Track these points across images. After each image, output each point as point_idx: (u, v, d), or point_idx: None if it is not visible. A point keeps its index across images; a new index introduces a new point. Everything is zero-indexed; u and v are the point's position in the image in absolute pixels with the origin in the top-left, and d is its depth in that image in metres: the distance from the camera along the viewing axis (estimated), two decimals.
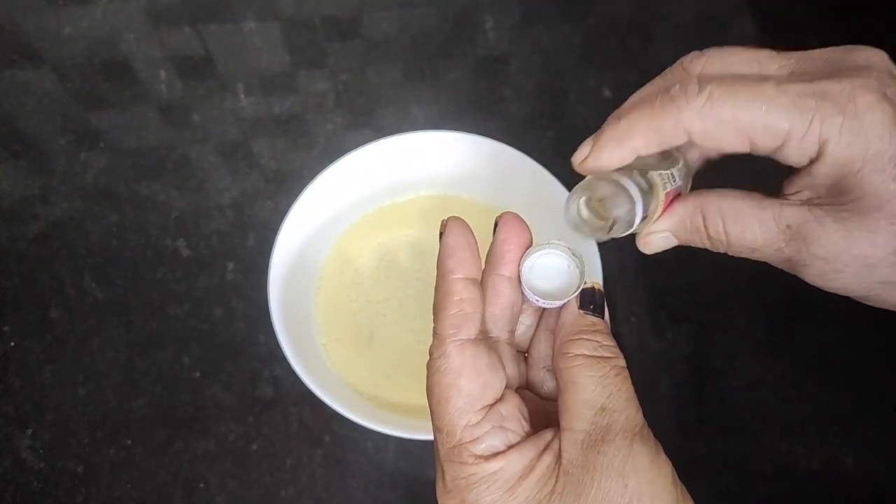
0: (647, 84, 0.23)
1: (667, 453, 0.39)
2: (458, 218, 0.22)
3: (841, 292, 0.22)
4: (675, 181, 0.23)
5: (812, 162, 0.20)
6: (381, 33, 0.54)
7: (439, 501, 0.20)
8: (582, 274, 0.22)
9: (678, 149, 0.23)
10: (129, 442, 0.38)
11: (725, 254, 0.23)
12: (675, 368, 0.41)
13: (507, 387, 0.21)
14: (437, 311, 0.21)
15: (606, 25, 0.53)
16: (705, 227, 0.22)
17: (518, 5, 0.55)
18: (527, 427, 0.20)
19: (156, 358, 0.41)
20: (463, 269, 0.21)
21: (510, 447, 0.19)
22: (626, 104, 0.23)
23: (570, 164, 0.54)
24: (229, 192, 0.47)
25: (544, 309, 0.23)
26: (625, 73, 0.51)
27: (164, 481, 0.37)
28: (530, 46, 0.53)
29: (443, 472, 0.20)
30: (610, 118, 0.23)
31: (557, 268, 0.23)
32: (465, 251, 0.22)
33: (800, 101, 0.19)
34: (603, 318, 0.22)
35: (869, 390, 0.41)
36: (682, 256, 0.45)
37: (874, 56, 0.20)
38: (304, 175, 0.44)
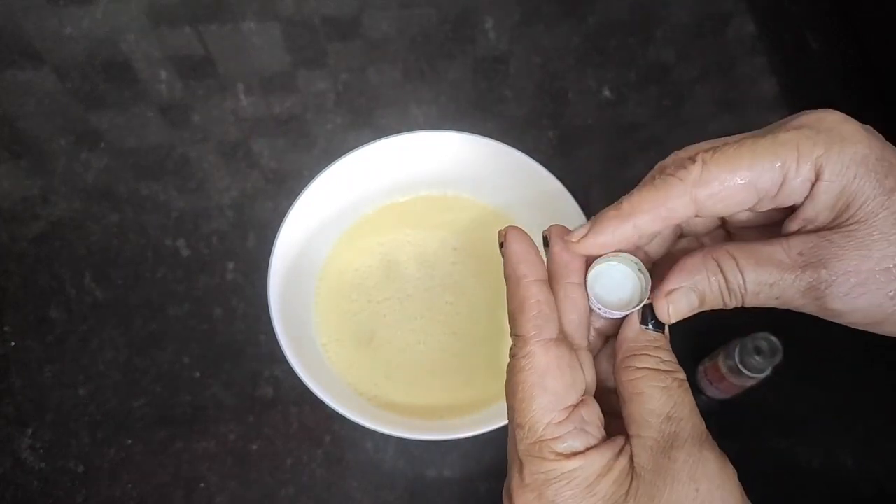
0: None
1: None
2: (517, 227, 0.23)
3: (868, 313, 0.21)
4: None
5: (813, 186, 0.21)
6: (381, 33, 0.54)
7: (514, 494, 0.21)
8: (647, 289, 0.22)
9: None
10: (130, 442, 0.38)
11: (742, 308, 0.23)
12: None
13: (585, 392, 0.21)
14: (516, 314, 0.21)
15: (606, 25, 0.53)
16: (721, 270, 0.22)
17: (518, 5, 0.55)
18: (602, 433, 0.21)
19: (156, 358, 0.41)
20: (535, 273, 0.22)
21: (589, 448, 0.20)
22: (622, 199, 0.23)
23: (570, 163, 0.54)
24: (229, 192, 0.47)
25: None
26: (625, 73, 0.51)
27: (165, 481, 0.38)
28: (530, 46, 0.53)
29: (520, 467, 0.21)
30: (605, 209, 0.23)
31: (622, 279, 0.23)
32: (533, 256, 0.22)
33: (779, 136, 0.20)
34: (663, 333, 0.22)
35: (869, 390, 0.41)
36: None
37: (824, 112, 0.21)
38: (304, 175, 0.44)
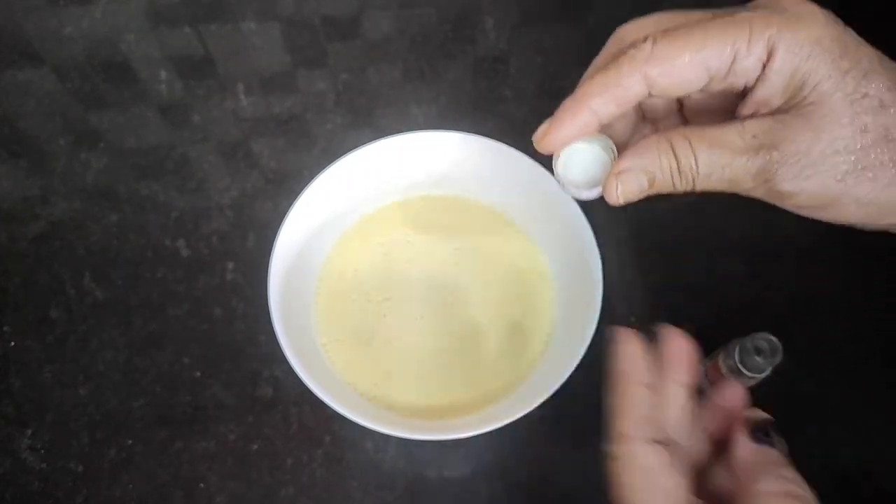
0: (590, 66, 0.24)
1: None
2: (626, 329, 0.24)
3: (815, 194, 0.22)
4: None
5: (765, 67, 0.21)
6: (381, 33, 0.54)
7: None
8: (610, 161, 0.23)
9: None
10: (130, 442, 0.38)
11: (693, 192, 0.23)
12: None
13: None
14: (620, 412, 0.22)
15: (606, 25, 0.53)
16: (674, 152, 0.22)
17: (518, 5, 0.55)
18: None
19: (156, 358, 0.41)
20: (642, 376, 0.23)
21: None
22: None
23: None
24: (229, 192, 0.47)
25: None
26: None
27: (165, 481, 0.37)
28: (530, 46, 0.53)
29: None
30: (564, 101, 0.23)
31: (593, 161, 0.23)
32: (642, 360, 0.23)
33: (735, 15, 0.20)
34: (774, 447, 0.23)
35: (869, 390, 0.41)
36: (680, 256, 0.45)
37: None
38: (305, 175, 0.44)
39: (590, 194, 0.23)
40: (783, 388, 0.40)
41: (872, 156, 0.20)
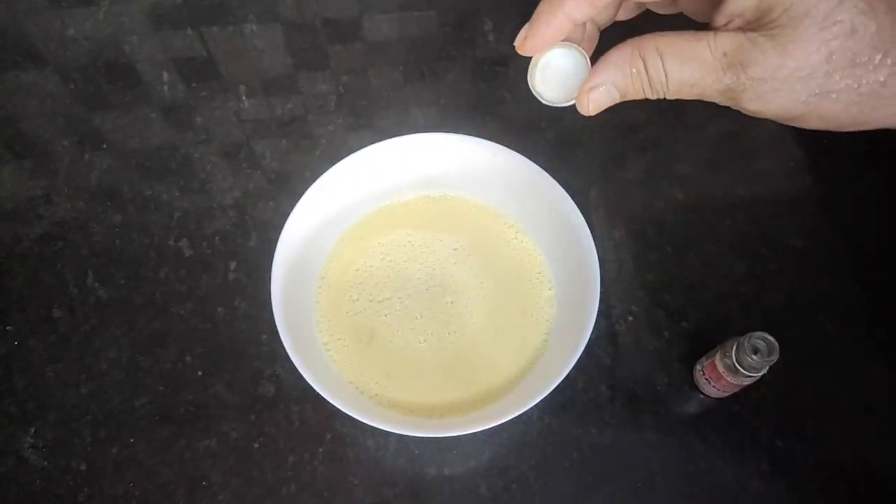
0: None
1: (664, 451, 0.40)
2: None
3: (779, 115, 0.22)
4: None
5: None
6: (382, 36, 0.54)
7: None
8: (584, 68, 0.24)
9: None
10: (132, 440, 0.39)
11: (664, 98, 0.24)
12: (673, 367, 0.41)
13: None
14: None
15: (605, 28, 0.54)
16: (645, 68, 0.23)
17: (517, 8, 0.56)
18: None
19: (158, 357, 0.41)
20: None
21: None
22: None
23: (568, 164, 0.54)
24: (231, 192, 0.47)
25: None
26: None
27: (167, 479, 0.38)
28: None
29: None
30: (540, 4, 0.24)
31: (573, 68, 0.24)
32: None
33: None
34: None
35: (866, 389, 0.41)
36: (679, 255, 0.46)
37: None
38: (306, 176, 0.45)
39: (562, 104, 0.24)
40: (780, 388, 0.41)
41: (837, 78, 0.21)
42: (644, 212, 0.47)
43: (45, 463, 0.38)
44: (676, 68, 0.22)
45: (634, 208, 0.48)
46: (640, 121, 0.52)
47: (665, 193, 0.48)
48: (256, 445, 0.39)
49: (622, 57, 0.23)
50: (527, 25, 0.23)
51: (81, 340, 0.42)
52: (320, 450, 0.39)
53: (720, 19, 0.22)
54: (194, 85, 0.52)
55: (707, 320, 0.43)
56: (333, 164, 0.39)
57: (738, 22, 0.22)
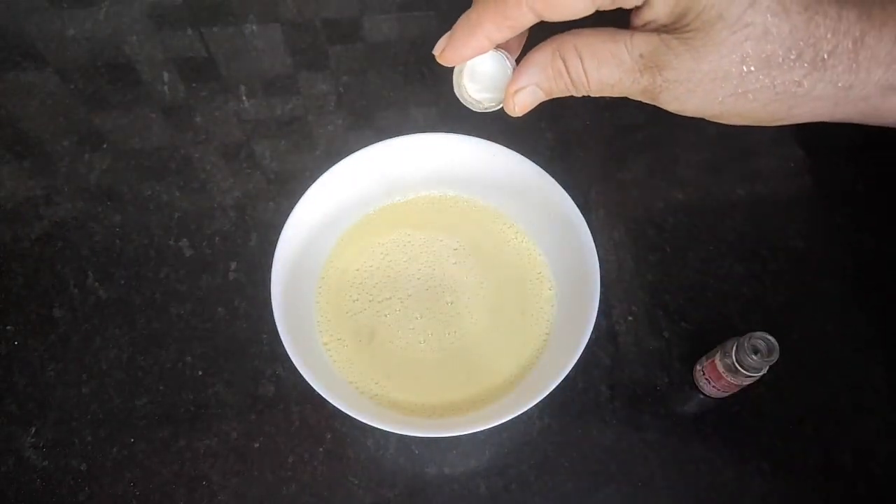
0: None
1: (664, 451, 0.40)
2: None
3: (697, 114, 0.23)
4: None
5: None
6: (382, 36, 0.55)
7: None
8: (508, 70, 0.24)
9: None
10: (132, 440, 0.39)
11: (588, 96, 0.24)
12: (673, 367, 0.41)
13: None
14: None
15: (605, 27, 0.54)
16: (566, 69, 0.23)
17: None
18: None
19: (158, 357, 0.41)
20: None
21: None
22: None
23: (568, 165, 0.54)
24: (232, 192, 0.47)
25: None
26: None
27: (167, 479, 0.38)
28: (529, 49, 0.54)
29: None
30: (460, 18, 0.24)
31: (502, 70, 0.24)
32: None
33: None
34: None
35: (866, 389, 0.42)
36: (679, 255, 0.46)
37: None
38: (306, 176, 0.45)
39: (492, 108, 0.25)
40: (780, 388, 0.41)
41: (753, 80, 0.21)
42: (644, 212, 0.47)
43: (45, 463, 0.38)
44: (595, 69, 0.23)
45: (634, 208, 0.48)
46: (640, 121, 0.52)
47: (665, 193, 0.48)
48: (256, 445, 0.39)
49: (543, 58, 0.23)
50: (446, 36, 0.24)
51: (81, 340, 0.42)
52: (320, 450, 0.39)
53: (637, 21, 0.22)
54: (194, 85, 0.52)
55: (707, 320, 0.43)
56: (333, 164, 0.39)
57: (654, 25, 0.22)
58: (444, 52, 0.24)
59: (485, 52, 0.23)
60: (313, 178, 0.38)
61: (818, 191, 0.49)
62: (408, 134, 0.40)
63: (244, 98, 0.51)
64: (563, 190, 0.38)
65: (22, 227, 0.46)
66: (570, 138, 0.50)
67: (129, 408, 0.40)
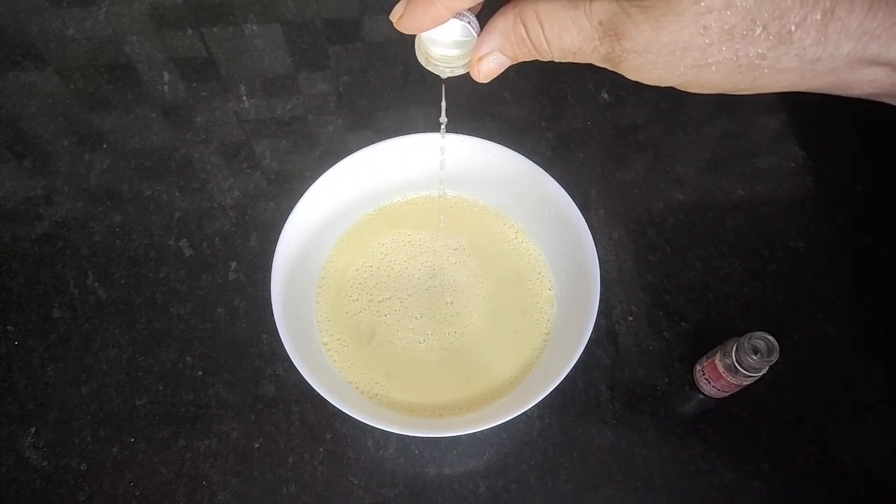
0: None
1: (664, 451, 0.40)
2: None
3: (658, 83, 0.22)
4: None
5: None
6: (382, 36, 0.54)
7: None
8: (473, 37, 0.23)
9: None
10: (132, 440, 0.39)
11: (553, 61, 0.24)
12: (673, 367, 0.41)
13: None
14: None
15: None
16: (527, 35, 0.23)
17: None
18: None
19: (159, 357, 0.41)
20: None
21: None
22: None
23: (568, 165, 0.54)
24: (232, 192, 0.47)
25: None
26: (622, 75, 0.51)
27: (167, 479, 0.38)
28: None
29: None
30: None
31: (452, 37, 0.24)
32: None
33: None
34: None
35: (865, 388, 0.42)
36: (679, 255, 0.46)
37: None
38: (306, 176, 0.45)
39: (453, 73, 0.24)
40: (780, 387, 0.41)
41: (715, 52, 0.20)
42: (644, 212, 0.47)
43: (46, 462, 0.38)
44: (556, 36, 0.22)
45: (634, 208, 0.48)
46: (640, 121, 0.52)
47: (665, 193, 0.48)
48: (256, 445, 0.39)
49: (505, 25, 0.23)
50: (403, 3, 0.22)
51: (81, 340, 0.42)
52: (320, 449, 0.39)
53: None
54: (194, 85, 0.52)
55: (707, 320, 0.43)
56: (333, 164, 0.39)
57: None
58: (402, 19, 0.23)
59: (444, 21, 0.23)
60: (313, 178, 0.38)
61: (818, 191, 0.49)
62: (408, 134, 0.40)
63: (244, 98, 0.51)
64: (563, 190, 0.38)
65: (22, 227, 0.46)
66: (570, 138, 0.50)
67: (129, 408, 0.40)
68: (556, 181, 0.38)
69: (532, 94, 0.52)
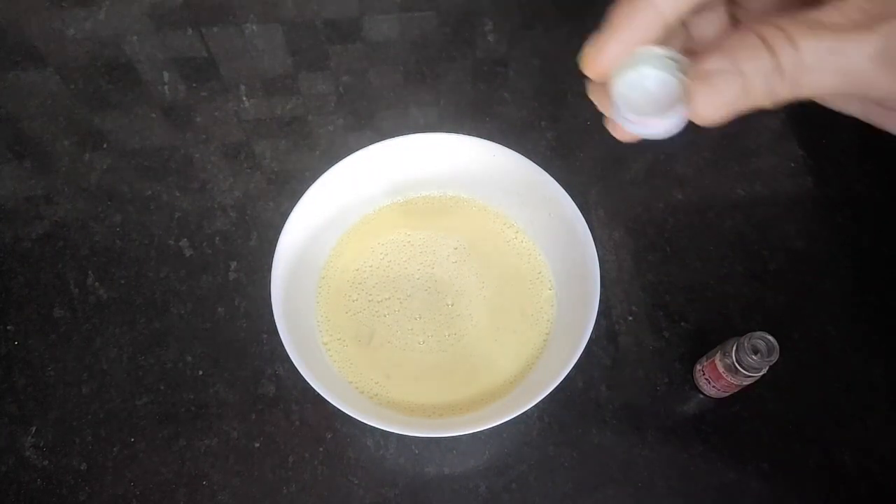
0: None
1: (664, 451, 0.40)
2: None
3: None
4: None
5: None
6: (382, 36, 0.54)
7: None
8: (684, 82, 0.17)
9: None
10: (133, 440, 0.39)
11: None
12: (673, 367, 0.42)
13: None
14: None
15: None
16: (769, 46, 0.16)
17: (517, 8, 0.56)
18: None
19: (159, 356, 0.41)
20: None
21: None
22: None
23: (568, 165, 0.54)
24: (232, 192, 0.47)
25: None
26: None
27: (168, 479, 0.38)
28: (529, 49, 0.54)
29: None
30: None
31: (655, 87, 0.18)
32: None
33: None
34: None
35: (866, 389, 0.42)
36: (679, 255, 0.46)
37: None
38: (306, 176, 0.45)
39: (662, 125, 0.18)
40: (780, 387, 0.41)
41: None
42: (644, 212, 0.47)
43: (46, 462, 0.38)
44: (807, 39, 0.16)
45: (634, 208, 0.48)
46: None
47: (665, 193, 0.48)
48: (257, 445, 0.39)
49: (734, 40, 0.17)
50: (595, 36, 0.18)
51: (82, 340, 0.42)
52: (320, 450, 0.39)
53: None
54: (194, 85, 0.52)
55: (707, 320, 0.43)
56: (333, 164, 0.39)
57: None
58: (596, 47, 0.17)
59: (653, 35, 0.17)
60: (313, 178, 0.38)
61: (818, 191, 0.49)
62: (408, 134, 0.40)
63: (244, 98, 0.51)
64: (563, 190, 0.38)
65: (22, 227, 0.46)
66: (570, 138, 0.50)
67: (129, 407, 0.40)
68: (556, 181, 0.38)
69: (532, 95, 0.52)
